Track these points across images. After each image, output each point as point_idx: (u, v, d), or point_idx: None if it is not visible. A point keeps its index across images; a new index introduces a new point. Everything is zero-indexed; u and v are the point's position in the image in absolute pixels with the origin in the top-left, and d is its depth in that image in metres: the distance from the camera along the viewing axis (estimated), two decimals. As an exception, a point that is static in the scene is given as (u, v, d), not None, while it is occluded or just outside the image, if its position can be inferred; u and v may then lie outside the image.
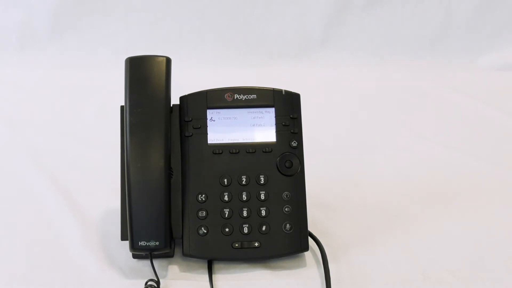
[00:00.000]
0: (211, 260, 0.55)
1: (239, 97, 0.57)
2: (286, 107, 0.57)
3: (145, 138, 0.53)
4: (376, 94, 0.93)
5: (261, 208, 0.55)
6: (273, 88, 0.58)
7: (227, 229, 0.54)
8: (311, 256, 0.57)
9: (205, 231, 0.54)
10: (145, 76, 0.54)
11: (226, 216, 0.55)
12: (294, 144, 0.57)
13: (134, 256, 0.55)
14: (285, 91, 0.58)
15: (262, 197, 0.55)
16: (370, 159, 0.75)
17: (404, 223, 0.63)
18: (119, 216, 0.54)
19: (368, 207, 0.65)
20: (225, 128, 0.57)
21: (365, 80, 0.97)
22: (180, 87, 0.55)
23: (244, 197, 0.55)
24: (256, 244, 0.54)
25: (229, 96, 0.57)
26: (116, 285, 0.52)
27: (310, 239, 0.57)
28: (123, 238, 0.54)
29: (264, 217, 0.55)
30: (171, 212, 0.54)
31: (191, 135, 0.56)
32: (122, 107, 0.56)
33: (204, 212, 0.55)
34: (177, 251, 0.56)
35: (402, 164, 0.75)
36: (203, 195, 0.55)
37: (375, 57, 1.00)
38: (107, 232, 0.60)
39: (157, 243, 0.52)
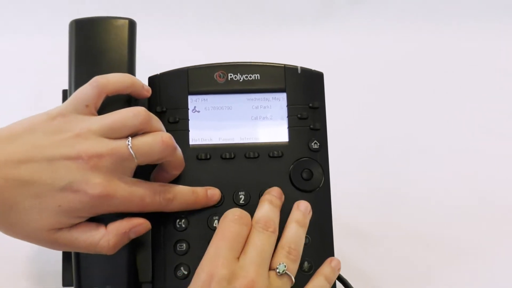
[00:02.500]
0: (194, 314, 0.53)
1: (235, 77, 0.57)
2: (304, 91, 0.57)
3: (99, 137, 0.52)
4: (428, 72, 0.89)
5: (267, 239, 0.55)
6: (284, 65, 0.58)
7: (217, 270, 0.54)
8: (340, 308, 0.57)
9: (186, 273, 0.54)
10: (98, 47, 0.54)
11: (217, 250, 0.55)
12: (315, 145, 0.57)
13: (83, 309, 0.55)
14: (302, 68, 0.58)
15: (269, 222, 0.55)
16: (421, 167, 0.75)
17: (473, 262, 0.62)
18: (59, 252, 0.54)
19: (420, 236, 0.65)
20: (214, 123, 0.57)
21: (411, 52, 0.94)
22: (150, 63, 0.55)
23: (243, 223, 0.55)
24: (261, 291, 0.53)
25: (220, 76, 0.57)
26: None
27: (337, 283, 0.56)
28: (66, 283, 0.54)
29: (271, 251, 0.53)
30: (137, 245, 0.53)
31: None
32: (64, 91, 0.56)
33: (185, 245, 0.54)
34: (146, 301, 0.55)
35: (468, 173, 0.74)
36: (183, 220, 0.55)
37: (426, 20, 0.98)
38: (44, 274, 0.59)
39: (115, 290, 0.52)
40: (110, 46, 0.54)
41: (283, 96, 0.57)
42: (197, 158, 0.56)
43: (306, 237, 0.54)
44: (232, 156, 0.56)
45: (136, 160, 0.49)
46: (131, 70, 0.55)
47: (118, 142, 0.49)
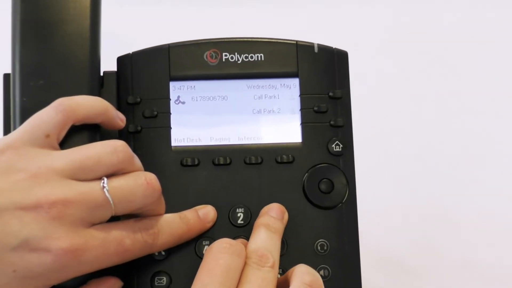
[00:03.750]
0: None
1: (232, 57, 0.57)
2: (322, 76, 0.57)
3: (53, 137, 0.52)
4: (495, 55, 0.90)
5: (273, 271, 0.53)
6: (297, 41, 0.58)
7: (208, 311, 0.54)
8: None
9: (167, 315, 0.54)
10: (51, 18, 0.54)
11: (207, 285, 0.54)
12: (336, 147, 0.57)
13: None
14: (320, 46, 0.58)
15: (276, 249, 0.54)
16: (476, 179, 0.76)
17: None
18: None
19: (471, 267, 0.67)
20: (204, 118, 0.57)
21: (473, 24, 0.92)
22: (119, 38, 0.56)
23: (242, 250, 0.54)
24: None
25: (212, 56, 0.57)
26: None
27: (367, 329, 0.56)
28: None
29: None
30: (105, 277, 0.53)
31: (140, 131, 0.56)
32: (6, 75, 0.56)
33: (165, 279, 0.54)
34: None
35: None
36: (163, 246, 0.54)
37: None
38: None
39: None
40: (67, 16, 0.54)
41: (294, 83, 0.57)
42: (182, 164, 0.55)
43: (325, 268, 0.54)
44: (228, 161, 0.56)
45: (113, 208, 0.48)
46: (94, 48, 0.55)
47: (90, 185, 0.48)
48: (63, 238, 0.46)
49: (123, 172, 0.49)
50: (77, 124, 0.51)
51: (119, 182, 0.48)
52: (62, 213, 0.46)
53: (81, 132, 0.52)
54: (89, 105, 0.51)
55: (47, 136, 0.49)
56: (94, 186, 0.48)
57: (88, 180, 0.48)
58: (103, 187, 0.48)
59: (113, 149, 0.49)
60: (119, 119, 0.53)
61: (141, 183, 0.49)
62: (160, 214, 0.53)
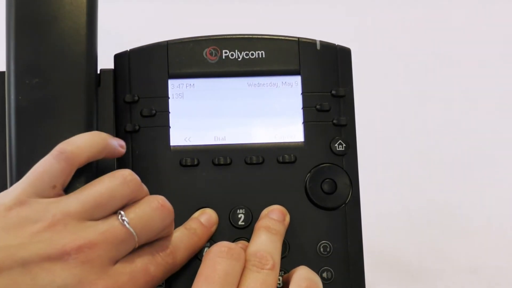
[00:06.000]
0: None
1: (232, 55, 0.57)
2: (324, 74, 0.57)
3: (48, 137, 0.53)
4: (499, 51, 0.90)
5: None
6: (299, 38, 0.58)
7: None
8: None
9: (165, 322, 0.53)
10: (47, 13, 0.54)
11: (207, 291, 0.54)
12: (339, 147, 0.56)
13: None
14: (322, 43, 0.58)
15: (277, 251, 0.54)
16: (485, 180, 0.76)
17: None
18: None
19: (479, 271, 0.67)
20: (204, 117, 0.57)
21: (480, 20, 0.93)
22: (117, 35, 0.56)
23: (243, 253, 0.54)
24: None
25: (211, 54, 0.57)
26: None
27: (371, 334, 0.56)
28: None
29: (280, 290, 0.53)
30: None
31: (138, 130, 0.56)
32: (1, 73, 0.56)
33: (164, 284, 0.54)
34: None
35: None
36: (162, 250, 0.55)
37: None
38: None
39: None
40: (63, 12, 0.54)
41: (296, 80, 0.57)
42: (181, 165, 0.55)
43: (327, 270, 0.54)
44: (228, 161, 0.56)
45: (137, 239, 0.48)
46: (91, 45, 0.55)
47: (109, 222, 0.48)
48: (96, 282, 0.46)
49: (134, 201, 0.50)
50: (80, 167, 0.50)
51: (135, 212, 0.49)
52: (90, 256, 0.46)
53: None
54: (89, 146, 0.51)
55: (54, 187, 0.49)
56: (114, 222, 0.48)
57: (104, 217, 0.48)
58: (123, 220, 0.48)
59: (123, 180, 0.49)
60: (120, 146, 0.53)
61: (156, 208, 0.49)
62: (172, 233, 0.53)
